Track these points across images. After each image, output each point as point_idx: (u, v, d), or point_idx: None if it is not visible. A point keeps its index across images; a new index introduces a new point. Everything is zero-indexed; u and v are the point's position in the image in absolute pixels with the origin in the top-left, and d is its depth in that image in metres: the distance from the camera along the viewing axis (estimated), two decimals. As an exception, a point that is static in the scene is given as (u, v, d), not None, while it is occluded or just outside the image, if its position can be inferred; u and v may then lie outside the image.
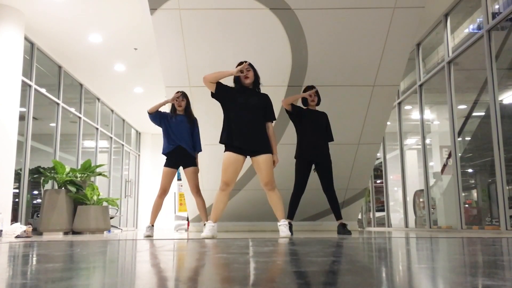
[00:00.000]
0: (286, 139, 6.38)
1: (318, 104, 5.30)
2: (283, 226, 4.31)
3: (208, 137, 6.26)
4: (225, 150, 4.38)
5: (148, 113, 5.17)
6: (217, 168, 6.48)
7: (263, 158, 4.34)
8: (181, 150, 5.11)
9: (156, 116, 5.18)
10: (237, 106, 4.37)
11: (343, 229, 5.02)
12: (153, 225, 5.09)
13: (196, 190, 5.13)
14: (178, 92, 5.24)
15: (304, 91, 5.30)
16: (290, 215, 5.08)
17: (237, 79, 4.49)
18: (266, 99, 4.52)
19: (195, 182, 5.14)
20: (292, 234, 4.70)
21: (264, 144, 4.38)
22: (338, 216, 5.11)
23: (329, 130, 5.31)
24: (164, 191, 5.10)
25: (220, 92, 4.42)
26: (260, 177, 4.38)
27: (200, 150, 5.29)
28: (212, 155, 6.51)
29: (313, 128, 5.15)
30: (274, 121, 4.58)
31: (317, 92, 5.27)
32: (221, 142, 4.40)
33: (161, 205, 5.12)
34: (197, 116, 5.78)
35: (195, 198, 5.14)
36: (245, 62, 4.45)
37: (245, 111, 4.36)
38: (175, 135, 5.13)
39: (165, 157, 5.18)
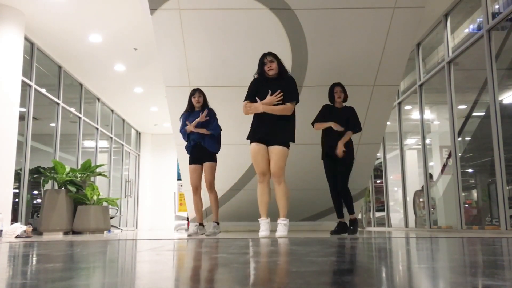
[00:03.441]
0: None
1: (345, 100, 5.25)
2: (281, 224, 4.24)
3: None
4: (250, 143, 4.43)
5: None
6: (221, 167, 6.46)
7: (277, 149, 4.29)
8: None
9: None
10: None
11: (343, 228, 5.02)
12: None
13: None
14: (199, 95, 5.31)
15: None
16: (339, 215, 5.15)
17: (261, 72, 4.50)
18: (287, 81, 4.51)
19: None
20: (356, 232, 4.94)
21: (280, 135, 4.35)
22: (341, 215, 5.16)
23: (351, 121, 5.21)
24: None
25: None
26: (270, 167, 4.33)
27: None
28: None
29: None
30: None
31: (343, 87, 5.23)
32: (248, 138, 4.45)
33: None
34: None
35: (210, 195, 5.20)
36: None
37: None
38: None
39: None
